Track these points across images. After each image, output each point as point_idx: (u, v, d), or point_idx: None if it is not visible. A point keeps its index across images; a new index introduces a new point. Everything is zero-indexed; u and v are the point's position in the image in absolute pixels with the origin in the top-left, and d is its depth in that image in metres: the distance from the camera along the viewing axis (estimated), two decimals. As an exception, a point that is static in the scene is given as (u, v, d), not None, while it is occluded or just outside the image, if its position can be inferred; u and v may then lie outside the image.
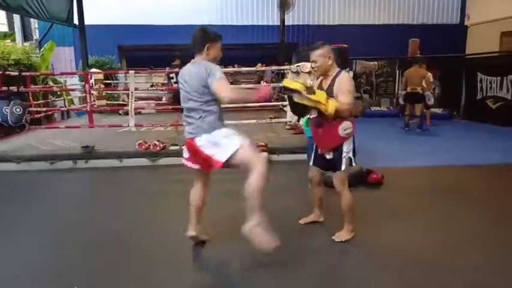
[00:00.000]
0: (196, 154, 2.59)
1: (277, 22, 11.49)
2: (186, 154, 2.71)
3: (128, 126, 6.00)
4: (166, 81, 7.30)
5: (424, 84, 7.73)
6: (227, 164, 2.43)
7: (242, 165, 2.42)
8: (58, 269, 2.65)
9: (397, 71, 10.74)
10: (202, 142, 2.50)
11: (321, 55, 2.78)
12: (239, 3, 12.38)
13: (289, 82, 2.85)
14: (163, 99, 10.95)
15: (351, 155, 2.83)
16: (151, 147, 5.51)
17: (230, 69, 8.16)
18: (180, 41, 11.16)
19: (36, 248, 2.94)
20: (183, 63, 6.87)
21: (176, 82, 6.73)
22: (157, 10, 11.80)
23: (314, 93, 2.66)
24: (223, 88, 2.41)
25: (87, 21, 9.83)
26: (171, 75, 6.79)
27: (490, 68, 8.85)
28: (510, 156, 5.61)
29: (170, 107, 7.11)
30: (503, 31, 9.92)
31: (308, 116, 5.63)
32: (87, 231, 3.24)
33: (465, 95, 9.61)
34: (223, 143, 2.45)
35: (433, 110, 8.91)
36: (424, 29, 11.97)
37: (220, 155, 2.43)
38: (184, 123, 2.68)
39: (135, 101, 6.23)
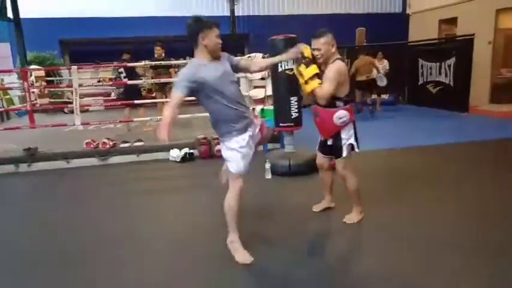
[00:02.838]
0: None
1: (227, 13, 11.38)
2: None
3: (74, 125, 5.69)
4: (114, 76, 6.98)
5: (374, 70, 8.14)
6: None
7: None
8: None
9: (346, 60, 11.03)
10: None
11: (326, 43, 2.75)
12: (187, -7, 12.09)
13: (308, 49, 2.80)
14: (112, 94, 10.51)
15: (352, 141, 2.84)
16: (100, 145, 5.28)
17: (182, 61, 7.96)
18: (126, 34, 10.84)
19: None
20: (133, 59, 6.62)
21: (126, 77, 6.44)
22: (100, 1, 11.22)
23: (307, 66, 2.68)
24: None
25: (23, 14, 9.18)
26: (120, 69, 6.48)
27: (429, 54, 9.36)
28: (445, 138, 6.00)
29: (119, 102, 6.81)
30: (441, 19, 10.52)
31: (262, 107, 5.68)
32: (33, 243, 3.05)
33: (408, 81, 10.11)
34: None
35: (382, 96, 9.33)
36: (369, 18, 12.40)
37: None
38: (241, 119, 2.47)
39: (80, 98, 5.92)
